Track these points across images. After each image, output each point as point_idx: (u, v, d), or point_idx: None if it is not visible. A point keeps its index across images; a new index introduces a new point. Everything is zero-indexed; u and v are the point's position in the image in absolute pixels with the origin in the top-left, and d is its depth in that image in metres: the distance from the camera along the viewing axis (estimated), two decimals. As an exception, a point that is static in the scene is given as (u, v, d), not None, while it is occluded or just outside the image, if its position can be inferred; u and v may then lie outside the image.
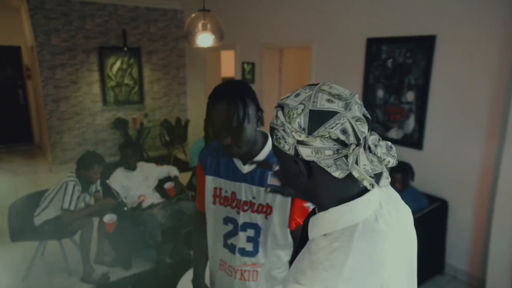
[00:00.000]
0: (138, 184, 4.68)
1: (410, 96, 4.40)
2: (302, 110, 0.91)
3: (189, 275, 3.51)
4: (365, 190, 0.97)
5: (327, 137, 0.89)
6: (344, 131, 0.89)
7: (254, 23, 6.81)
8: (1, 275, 4.37)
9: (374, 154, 0.91)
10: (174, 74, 9.23)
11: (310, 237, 1.02)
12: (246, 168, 1.86)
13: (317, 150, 0.90)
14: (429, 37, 4.16)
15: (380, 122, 4.76)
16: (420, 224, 3.92)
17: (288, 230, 1.82)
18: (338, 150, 0.90)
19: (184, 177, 6.00)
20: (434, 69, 4.19)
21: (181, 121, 8.85)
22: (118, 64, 8.38)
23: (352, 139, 0.89)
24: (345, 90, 0.96)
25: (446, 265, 4.34)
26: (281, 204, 1.79)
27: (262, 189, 1.81)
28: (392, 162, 0.93)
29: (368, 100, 4.86)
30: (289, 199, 1.77)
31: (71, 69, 7.87)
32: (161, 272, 4.32)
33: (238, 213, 1.85)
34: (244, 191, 1.84)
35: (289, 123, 0.93)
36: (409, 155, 4.50)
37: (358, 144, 0.89)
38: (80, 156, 4.41)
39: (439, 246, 4.27)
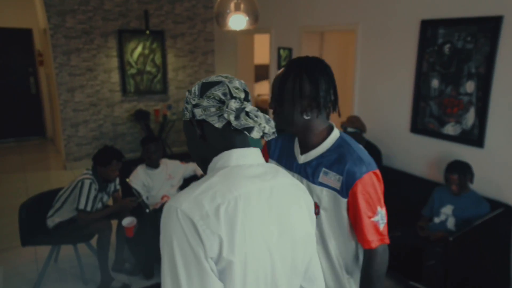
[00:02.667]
0: (161, 183, 4.76)
1: (469, 86, 4.36)
2: (198, 83, 1.42)
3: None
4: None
5: (212, 98, 1.37)
6: (224, 94, 1.37)
7: (292, 3, 6.83)
8: (10, 283, 4.51)
9: (251, 118, 1.35)
10: (201, 60, 9.33)
11: None
12: (302, 159, 1.97)
13: (205, 108, 1.37)
14: (494, 18, 4.11)
15: (434, 116, 4.73)
16: (481, 232, 3.90)
17: (346, 240, 1.94)
18: (219, 107, 1.37)
19: (212, 176, 6.03)
20: (499, 55, 4.13)
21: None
22: (139, 49, 8.52)
23: (229, 98, 1.36)
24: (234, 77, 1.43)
25: None
26: (330, 206, 1.90)
27: (312, 185, 1.92)
28: (268, 129, 1.37)
29: (420, 91, 4.84)
30: (341, 202, 1.87)
31: (87, 55, 8.05)
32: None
33: None
34: None
35: (190, 94, 1.42)
36: (468, 153, 4.46)
37: (230, 99, 1.36)
38: (97, 151, 4.50)
39: (503, 258, 4.23)
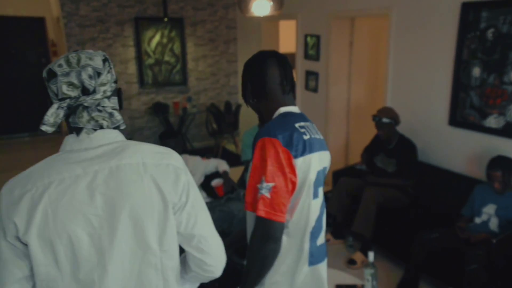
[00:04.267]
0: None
1: (515, 75, 4.28)
2: (47, 67, 1.52)
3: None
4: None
5: (51, 90, 1.50)
6: (57, 89, 1.48)
7: (320, -14, 6.77)
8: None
9: (88, 113, 1.51)
10: (223, 49, 9.34)
11: None
12: None
13: (50, 98, 1.53)
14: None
15: (475, 108, 4.64)
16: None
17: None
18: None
19: (235, 173, 6.06)
20: (546, 41, 4.04)
21: (231, 106, 8.94)
22: (157, 38, 8.55)
23: (56, 98, 1.50)
24: (86, 61, 1.51)
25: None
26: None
27: None
28: (107, 124, 1.55)
29: (460, 80, 4.75)
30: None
31: (102, 44, 8.11)
32: (208, 285, 4.37)
33: None
34: None
35: None
36: (513, 148, 4.37)
37: (58, 100, 1.50)
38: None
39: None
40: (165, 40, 8.64)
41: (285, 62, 2.13)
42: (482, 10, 4.48)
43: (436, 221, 4.61)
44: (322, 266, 2.17)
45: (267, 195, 1.92)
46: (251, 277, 1.99)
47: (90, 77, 1.50)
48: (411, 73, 5.38)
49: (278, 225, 1.95)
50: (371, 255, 3.40)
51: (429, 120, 5.19)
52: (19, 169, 5.88)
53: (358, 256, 4.86)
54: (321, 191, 2.12)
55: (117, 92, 1.66)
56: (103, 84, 1.54)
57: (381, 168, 5.15)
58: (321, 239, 2.15)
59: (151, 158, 1.59)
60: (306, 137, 2.00)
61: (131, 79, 8.47)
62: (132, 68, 8.45)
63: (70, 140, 1.56)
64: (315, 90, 7.07)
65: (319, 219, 2.12)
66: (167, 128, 8.43)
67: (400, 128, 5.18)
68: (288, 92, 2.14)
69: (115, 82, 1.62)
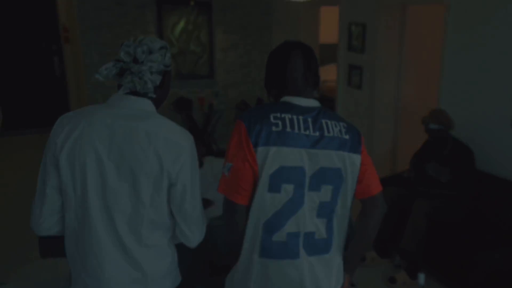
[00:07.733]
0: (206, 185, 4.72)
1: None
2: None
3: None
4: None
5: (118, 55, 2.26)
6: (119, 54, 2.24)
7: (368, -32, 6.73)
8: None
9: (131, 76, 2.19)
10: (256, 38, 9.34)
11: None
12: None
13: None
14: None
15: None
16: None
17: None
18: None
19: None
20: None
21: (264, 102, 8.89)
22: (181, 24, 8.60)
23: (116, 57, 2.24)
24: (146, 42, 2.24)
25: None
26: None
27: None
28: (139, 87, 2.18)
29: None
30: None
31: (120, 30, 8.17)
32: None
33: None
34: None
35: None
36: None
37: (115, 61, 2.22)
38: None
39: None
40: (190, 27, 8.67)
41: (310, 53, 2.41)
42: (555, -2, 4.42)
43: (497, 239, 4.55)
44: (288, 264, 2.32)
45: (227, 174, 2.29)
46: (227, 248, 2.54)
47: (143, 52, 2.20)
48: (470, 68, 5.32)
49: (232, 204, 2.30)
50: (421, 278, 3.37)
51: (490, 122, 5.12)
52: (26, 170, 5.95)
53: (401, 276, 4.80)
54: (289, 189, 2.26)
55: (163, 73, 2.30)
56: (152, 61, 2.21)
57: (433, 177, 5.09)
58: (280, 237, 2.30)
59: (166, 132, 2.19)
60: (276, 128, 2.22)
61: (151, 70, 8.43)
62: (153, 58, 8.41)
63: (114, 97, 2.25)
64: (359, 86, 7.03)
65: (278, 216, 2.28)
66: (190, 126, 8.42)
67: (455, 132, 5.11)
68: (311, 85, 2.39)
69: (166, 66, 2.29)
